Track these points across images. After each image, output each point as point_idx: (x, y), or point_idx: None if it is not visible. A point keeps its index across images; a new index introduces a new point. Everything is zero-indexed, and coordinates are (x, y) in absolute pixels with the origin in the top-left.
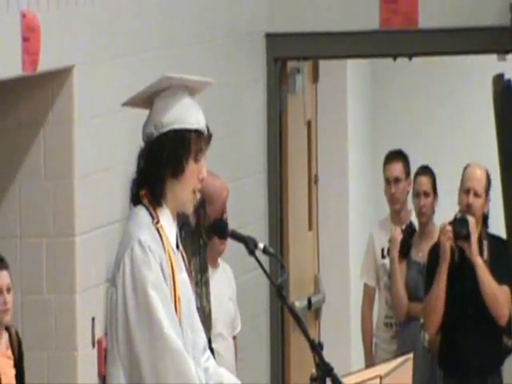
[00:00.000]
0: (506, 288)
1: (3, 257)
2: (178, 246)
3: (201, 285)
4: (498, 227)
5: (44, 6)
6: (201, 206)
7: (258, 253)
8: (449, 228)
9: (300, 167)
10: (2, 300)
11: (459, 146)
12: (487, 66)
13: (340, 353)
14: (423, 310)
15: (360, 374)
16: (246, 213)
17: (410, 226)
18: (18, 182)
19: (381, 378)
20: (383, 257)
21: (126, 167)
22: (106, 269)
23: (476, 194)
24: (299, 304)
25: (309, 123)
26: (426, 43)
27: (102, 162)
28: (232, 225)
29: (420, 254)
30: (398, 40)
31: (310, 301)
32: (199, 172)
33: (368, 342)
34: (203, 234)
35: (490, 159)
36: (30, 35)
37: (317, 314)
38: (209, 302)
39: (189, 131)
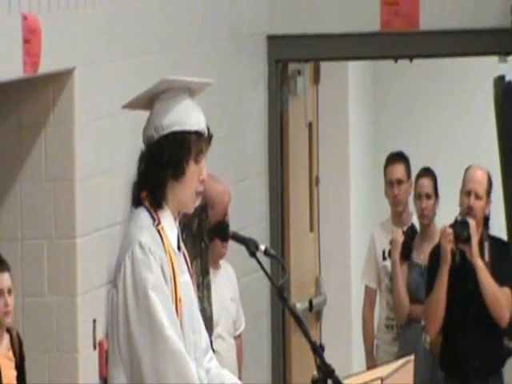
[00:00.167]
0: (506, 290)
1: (4, 259)
2: (179, 248)
3: (202, 288)
4: (499, 229)
5: (45, 8)
6: (203, 209)
7: (259, 254)
8: (449, 231)
9: (301, 169)
10: (3, 302)
11: (460, 148)
12: (488, 68)
13: (341, 354)
14: (424, 312)
15: (361, 376)
16: (247, 214)
17: (412, 227)
18: (19, 183)
19: (382, 379)
20: (384, 259)
21: (127, 169)
22: (107, 271)
23: (477, 196)
24: (300, 306)
25: (310, 125)
26: (427, 45)
27: (103, 163)
28: (233, 226)
29: (421, 256)
30: (399, 42)
31: (311, 302)
32: (200, 173)
33: (369, 344)
34: (205, 237)
35: (491, 161)
36: (31, 37)
37: (318, 315)
38: (210, 304)
39: (189, 133)
